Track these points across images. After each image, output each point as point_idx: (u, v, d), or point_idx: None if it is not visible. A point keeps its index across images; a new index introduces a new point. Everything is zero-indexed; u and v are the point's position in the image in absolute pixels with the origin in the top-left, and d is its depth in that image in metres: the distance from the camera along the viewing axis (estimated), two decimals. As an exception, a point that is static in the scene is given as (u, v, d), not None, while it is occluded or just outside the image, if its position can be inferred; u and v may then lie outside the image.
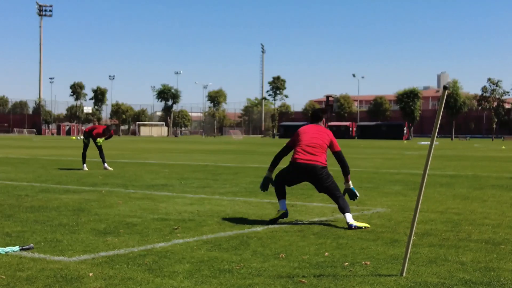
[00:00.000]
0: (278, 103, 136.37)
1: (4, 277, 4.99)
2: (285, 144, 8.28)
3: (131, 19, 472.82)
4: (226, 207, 9.39)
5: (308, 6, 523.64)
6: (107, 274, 5.12)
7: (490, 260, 5.79)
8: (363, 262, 5.63)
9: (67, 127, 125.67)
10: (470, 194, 11.61)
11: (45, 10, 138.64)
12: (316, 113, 8.39)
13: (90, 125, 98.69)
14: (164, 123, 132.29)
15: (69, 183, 13.13)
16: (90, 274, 5.08)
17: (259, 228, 7.44)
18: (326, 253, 6.01)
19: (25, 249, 5.97)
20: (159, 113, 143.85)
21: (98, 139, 17.80)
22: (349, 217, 7.56)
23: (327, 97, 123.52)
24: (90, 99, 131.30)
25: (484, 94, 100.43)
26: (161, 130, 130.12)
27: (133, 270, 5.25)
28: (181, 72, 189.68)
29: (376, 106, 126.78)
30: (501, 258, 5.88)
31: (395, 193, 11.69)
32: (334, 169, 10.59)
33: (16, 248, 5.96)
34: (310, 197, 10.78)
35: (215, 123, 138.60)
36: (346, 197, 8.26)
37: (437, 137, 5.04)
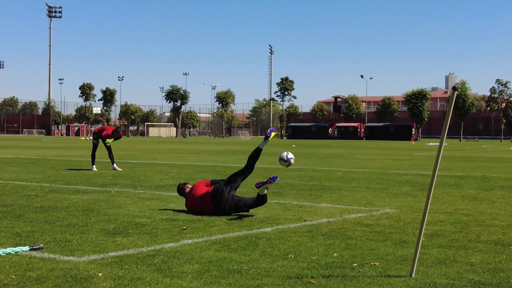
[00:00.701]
0: (286, 104, 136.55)
1: (14, 277, 5.02)
2: None
3: (139, 20, 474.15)
4: (235, 208, 9.38)
5: (316, 7, 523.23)
6: (117, 274, 5.14)
7: (499, 261, 5.77)
8: (372, 263, 5.63)
9: (76, 128, 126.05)
10: (479, 195, 11.57)
11: (55, 12, 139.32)
12: None
13: (99, 125, 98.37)
14: (172, 124, 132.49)
15: (78, 184, 13.17)
16: (100, 274, 5.10)
17: (267, 229, 7.45)
18: (335, 254, 6.01)
19: (35, 249, 6.00)
20: (167, 114, 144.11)
21: (107, 139, 17.85)
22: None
23: (335, 98, 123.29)
24: (99, 100, 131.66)
25: (493, 95, 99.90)
26: (170, 131, 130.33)
27: (142, 270, 5.27)
28: (190, 73, 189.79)
29: (384, 107, 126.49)
30: (510, 259, 5.86)
31: (403, 194, 11.67)
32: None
33: (26, 248, 5.99)
34: (318, 198, 10.78)
35: (223, 124, 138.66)
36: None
37: (445, 138, 5.03)
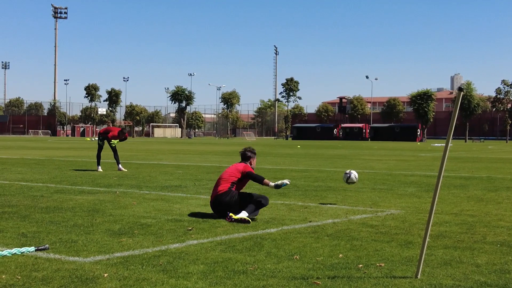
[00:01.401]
0: (291, 105, 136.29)
1: (19, 277, 5.03)
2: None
3: (144, 21, 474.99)
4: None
5: (321, 8, 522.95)
6: (122, 274, 5.15)
7: (505, 262, 5.75)
8: (377, 264, 5.62)
9: (81, 129, 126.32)
10: (485, 196, 11.54)
11: (60, 12, 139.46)
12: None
13: (105, 126, 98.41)
14: (177, 124, 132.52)
15: (84, 184, 13.20)
16: (105, 275, 5.11)
17: (273, 230, 7.45)
18: (340, 255, 6.00)
19: (40, 250, 6.01)
20: (172, 115, 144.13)
21: (112, 140, 17.88)
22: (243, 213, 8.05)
23: (340, 98, 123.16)
24: (104, 101, 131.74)
25: (498, 96, 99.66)
26: (175, 132, 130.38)
27: (148, 271, 5.27)
28: (195, 73, 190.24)
29: (390, 107, 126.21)
30: (516, 261, 5.84)
31: (409, 195, 11.65)
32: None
33: (32, 248, 6.00)
34: (323, 199, 10.77)
35: (228, 125, 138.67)
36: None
37: (451, 138, 5.02)
